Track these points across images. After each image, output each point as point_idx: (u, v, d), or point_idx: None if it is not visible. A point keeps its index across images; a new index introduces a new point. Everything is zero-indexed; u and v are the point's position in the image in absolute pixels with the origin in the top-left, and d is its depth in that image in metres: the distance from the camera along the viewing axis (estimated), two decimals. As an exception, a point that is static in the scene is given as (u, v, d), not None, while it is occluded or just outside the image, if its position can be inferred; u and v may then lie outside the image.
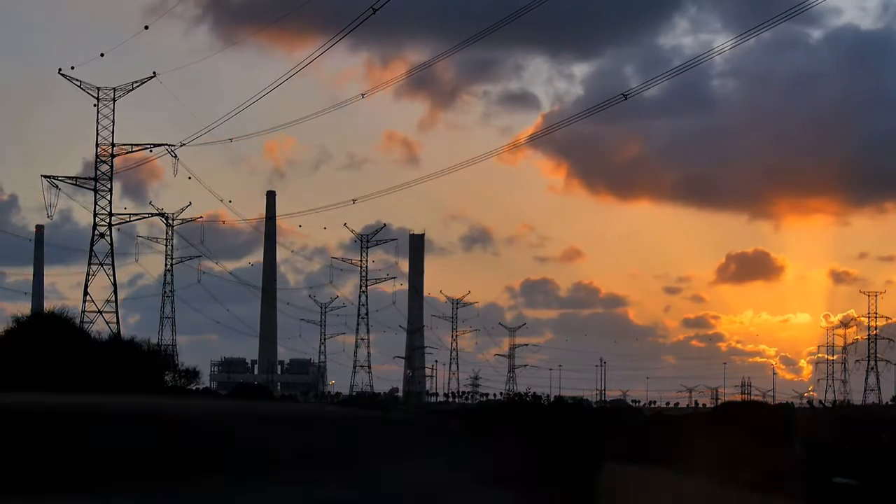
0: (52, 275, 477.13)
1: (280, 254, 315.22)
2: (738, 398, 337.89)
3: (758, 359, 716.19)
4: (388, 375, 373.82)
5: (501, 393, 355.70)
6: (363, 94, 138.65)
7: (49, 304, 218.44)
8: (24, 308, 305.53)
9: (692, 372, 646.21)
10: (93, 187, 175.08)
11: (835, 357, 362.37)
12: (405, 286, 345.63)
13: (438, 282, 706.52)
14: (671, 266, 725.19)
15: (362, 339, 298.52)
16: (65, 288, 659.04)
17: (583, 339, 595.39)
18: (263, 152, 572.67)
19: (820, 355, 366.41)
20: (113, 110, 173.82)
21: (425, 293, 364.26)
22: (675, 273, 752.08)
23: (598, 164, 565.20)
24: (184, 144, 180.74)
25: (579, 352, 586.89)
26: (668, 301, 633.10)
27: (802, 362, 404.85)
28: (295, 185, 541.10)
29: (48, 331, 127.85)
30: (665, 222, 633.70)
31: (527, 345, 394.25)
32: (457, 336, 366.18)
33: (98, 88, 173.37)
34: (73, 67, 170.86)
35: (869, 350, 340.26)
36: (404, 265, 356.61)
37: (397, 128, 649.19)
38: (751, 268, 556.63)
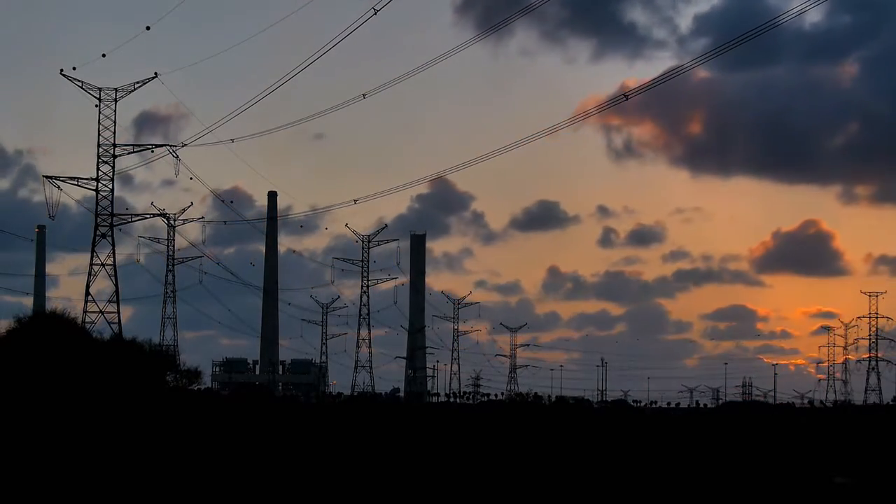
0: (53, 275, 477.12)
1: (281, 254, 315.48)
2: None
3: (786, 358, 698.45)
4: (389, 375, 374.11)
5: (503, 393, 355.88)
6: (364, 95, 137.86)
7: (51, 304, 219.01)
8: (27, 301, 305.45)
9: (710, 371, 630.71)
10: (94, 188, 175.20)
11: (836, 358, 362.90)
12: (405, 280, 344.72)
13: (482, 265, 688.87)
14: (727, 247, 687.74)
15: (363, 339, 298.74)
16: (66, 288, 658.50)
17: (597, 337, 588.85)
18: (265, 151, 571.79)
19: (822, 359, 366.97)
20: (115, 111, 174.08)
21: (427, 292, 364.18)
22: (727, 256, 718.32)
23: (664, 134, 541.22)
24: (185, 145, 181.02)
25: (591, 351, 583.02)
26: (708, 291, 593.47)
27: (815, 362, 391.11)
28: (298, 183, 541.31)
29: (49, 331, 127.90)
30: (733, 197, 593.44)
31: (528, 345, 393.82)
32: (458, 336, 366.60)
33: (100, 89, 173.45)
34: (74, 68, 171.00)
35: (870, 350, 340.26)
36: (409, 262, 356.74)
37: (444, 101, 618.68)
38: (812, 255, 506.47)
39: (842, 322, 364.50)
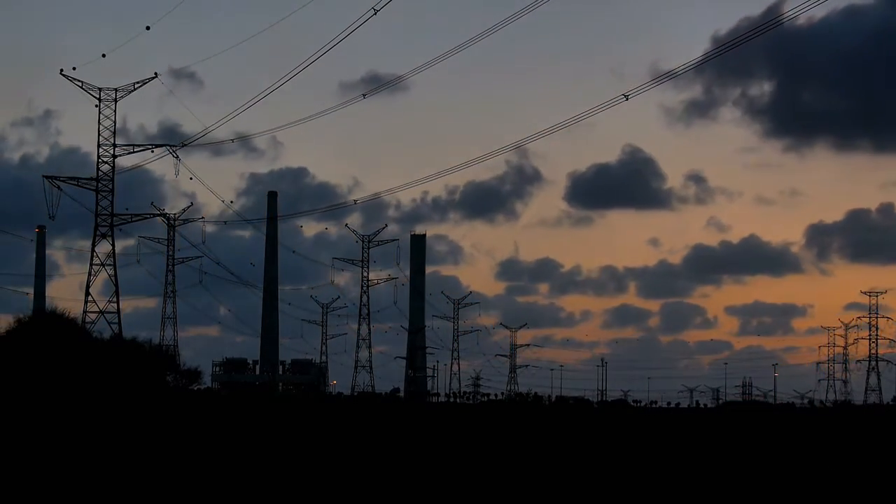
0: (53, 275, 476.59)
1: (282, 254, 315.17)
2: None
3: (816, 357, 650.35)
4: (389, 375, 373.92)
5: (503, 393, 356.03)
6: (364, 95, 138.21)
7: (51, 304, 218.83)
8: (27, 300, 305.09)
9: (729, 372, 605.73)
10: (94, 188, 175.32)
11: (835, 358, 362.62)
12: (405, 280, 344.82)
13: (537, 248, 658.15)
14: (785, 231, 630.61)
15: (363, 339, 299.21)
16: (66, 288, 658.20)
17: (606, 335, 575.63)
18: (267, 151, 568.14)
19: (822, 361, 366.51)
20: (115, 111, 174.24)
21: (427, 293, 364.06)
22: (785, 241, 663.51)
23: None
24: (185, 145, 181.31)
25: (597, 350, 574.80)
26: (754, 282, 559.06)
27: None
28: (299, 181, 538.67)
29: (49, 331, 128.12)
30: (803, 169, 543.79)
31: (528, 345, 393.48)
32: (458, 336, 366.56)
33: (100, 89, 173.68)
34: (74, 68, 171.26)
35: (870, 350, 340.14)
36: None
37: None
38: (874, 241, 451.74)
39: (844, 324, 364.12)
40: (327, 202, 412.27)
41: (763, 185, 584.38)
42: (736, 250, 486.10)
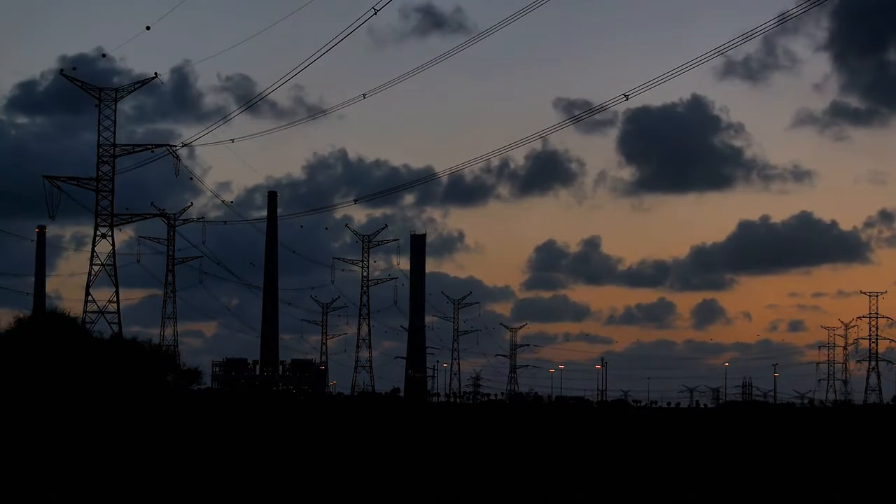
0: (53, 275, 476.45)
1: (281, 254, 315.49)
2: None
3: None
4: (389, 375, 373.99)
5: (503, 393, 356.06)
6: (364, 95, 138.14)
7: (51, 304, 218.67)
8: (27, 301, 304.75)
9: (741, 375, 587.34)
10: (94, 188, 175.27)
11: (835, 357, 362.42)
12: (406, 280, 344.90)
13: (575, 232, 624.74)
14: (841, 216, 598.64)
15: (363, 340, 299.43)
16: (66, 288, 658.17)
17: (613, 334, 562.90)
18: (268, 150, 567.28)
19: (820, 359, 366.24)
20: (114, 111, 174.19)
21: (427, 292, 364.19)
22: (843, 227, 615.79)
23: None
24: (185, 145, 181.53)
25: (599, 351, 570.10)
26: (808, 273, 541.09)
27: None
28: (298, 183, 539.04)
29: (49, 331, 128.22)
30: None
31: (528, 345, 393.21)
32: (458, 336, 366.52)
33: (100, 89, 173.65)
34: (74, 68, 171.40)
35: (870, 350, 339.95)
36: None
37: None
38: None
39: (844, 323, 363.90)
40: (356, 181, 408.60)
41: (831, 163, 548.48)
42: (785, 236, 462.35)
